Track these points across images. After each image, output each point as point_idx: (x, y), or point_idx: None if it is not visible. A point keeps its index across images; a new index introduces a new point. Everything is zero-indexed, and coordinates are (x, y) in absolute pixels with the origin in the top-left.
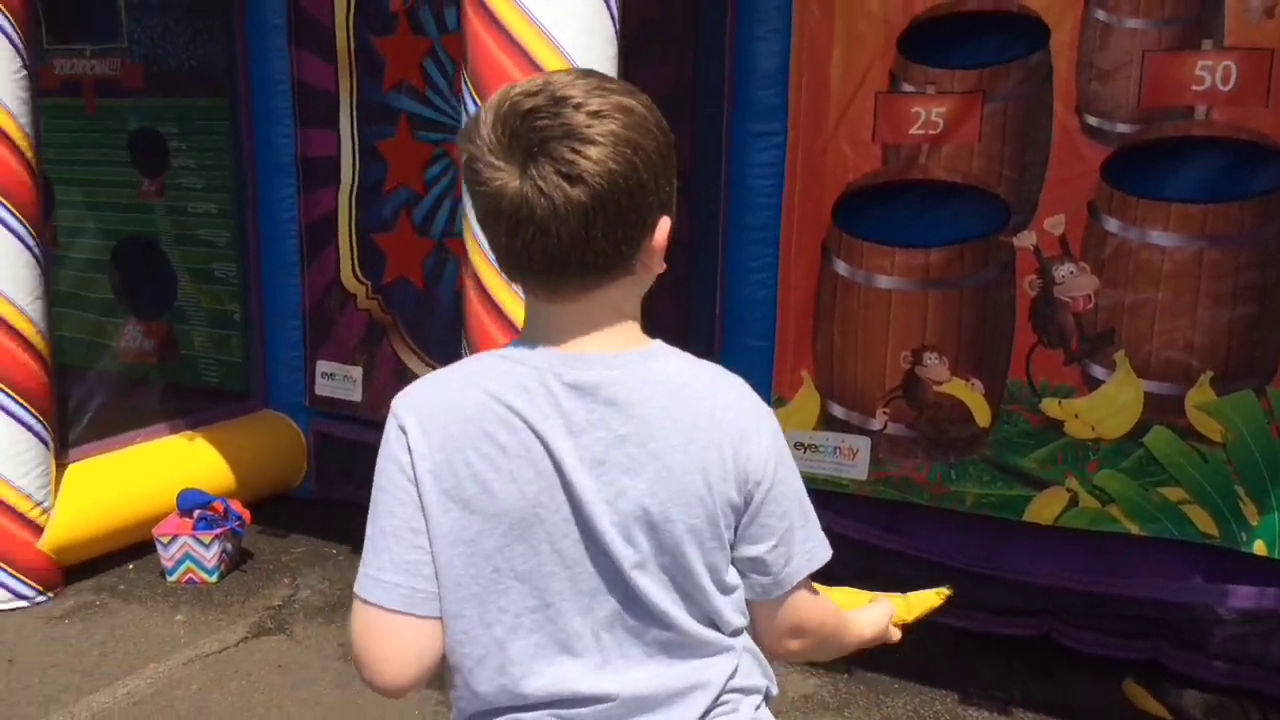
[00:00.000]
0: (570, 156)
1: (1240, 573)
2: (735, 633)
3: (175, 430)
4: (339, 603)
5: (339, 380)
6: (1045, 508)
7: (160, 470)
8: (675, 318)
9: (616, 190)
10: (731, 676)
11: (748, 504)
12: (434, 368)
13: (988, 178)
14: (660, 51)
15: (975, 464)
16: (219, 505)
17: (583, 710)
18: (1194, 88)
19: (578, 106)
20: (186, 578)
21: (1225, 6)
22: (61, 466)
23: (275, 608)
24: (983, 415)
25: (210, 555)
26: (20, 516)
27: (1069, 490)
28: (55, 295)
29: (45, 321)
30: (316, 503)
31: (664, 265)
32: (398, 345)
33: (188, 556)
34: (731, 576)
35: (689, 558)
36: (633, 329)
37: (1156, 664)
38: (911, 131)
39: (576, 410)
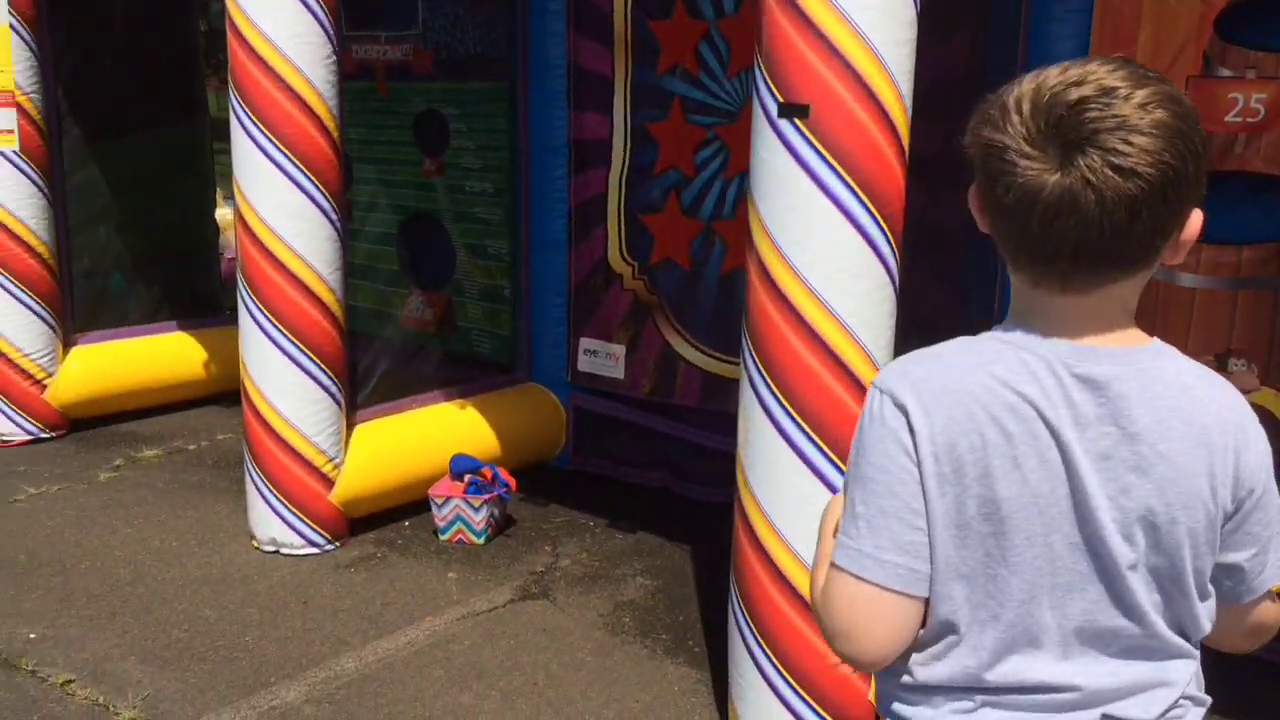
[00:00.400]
0: (1123, 148)
1: None
2: (1199, 641)
3: (449, 397)
4: (598, 574)
5: (601, 357)
6: None
7: (435, 434)
8: (950, 310)
9: (1165, 183)
10: (1188, 683)
11: (1237, 510)
12: (698, 348)
13: None
14: (948, 33)
15: None
16: (488, 471)
17: (1043, 697)
18: None
19: (1126, 97)
20: (457, 538)
21: None
22: (350, 426)
23: (538, 574)
24: None
25: (479, 519)
26: (315, 470)
27: None
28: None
29: (343, 290)
30: (573, 474)
31: (1181, 257)
32: (662, 325)
33: (459, 518)
34: (1209, 583)
35: (1183, 561)
36: (1133, 325)
37: None
38: (1227, 119)
39: (1086, 403)
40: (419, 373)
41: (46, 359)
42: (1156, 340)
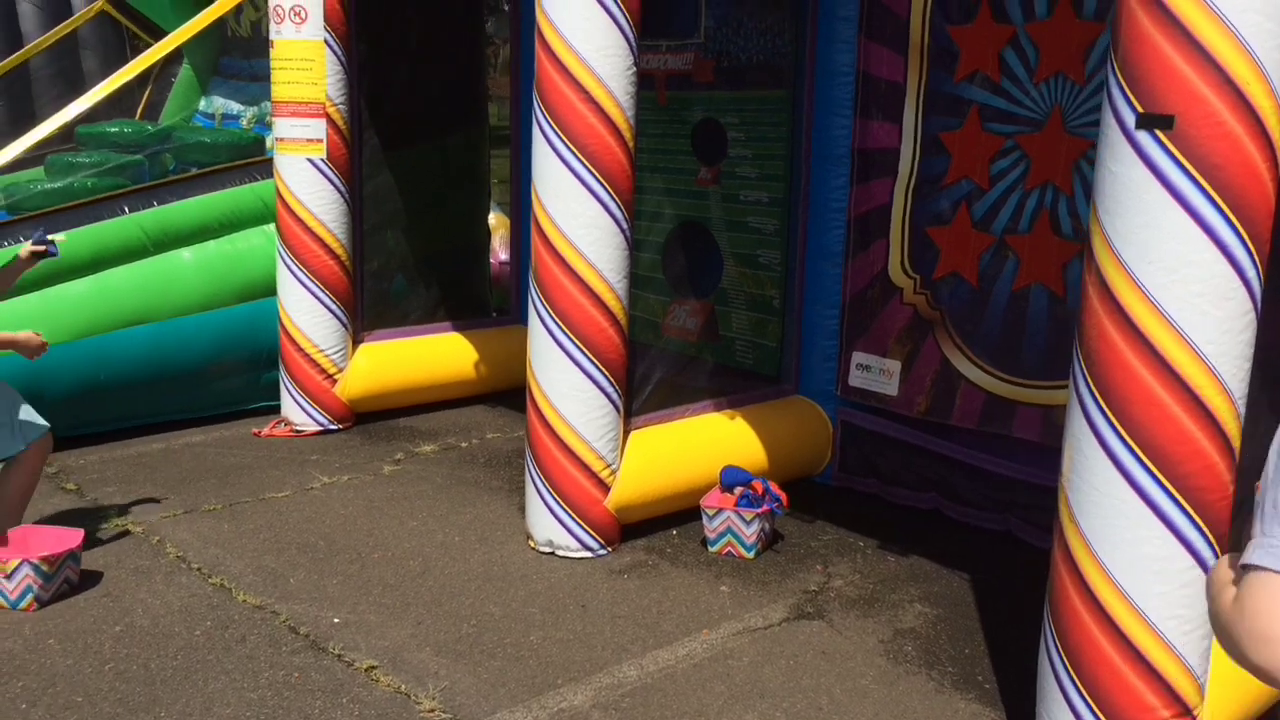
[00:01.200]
0: None
1: None
2: None
3: (717, 408)
4: (873, 597)
5: (874, 373)
6: None
7: (703, 443)
8: None
9: None
10: None
11: None
12: (982, 368)
13: None
14: None
15: None
16: (759, 485)
17: None
18: None
19: None
20: (726, 550)
21: None
22: (626, 433)
23: (811, 593)
24: None
25: (750, 533)
26: (594, 475)
27: None
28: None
29: (628, 298)
30: (838, 491)
31: None
32: (943, 342)
33: (730, 531)
34: None
35: None
36: None
37: None
38: None
39: None
40: (685, 381)
41: (339, 355)
42: None
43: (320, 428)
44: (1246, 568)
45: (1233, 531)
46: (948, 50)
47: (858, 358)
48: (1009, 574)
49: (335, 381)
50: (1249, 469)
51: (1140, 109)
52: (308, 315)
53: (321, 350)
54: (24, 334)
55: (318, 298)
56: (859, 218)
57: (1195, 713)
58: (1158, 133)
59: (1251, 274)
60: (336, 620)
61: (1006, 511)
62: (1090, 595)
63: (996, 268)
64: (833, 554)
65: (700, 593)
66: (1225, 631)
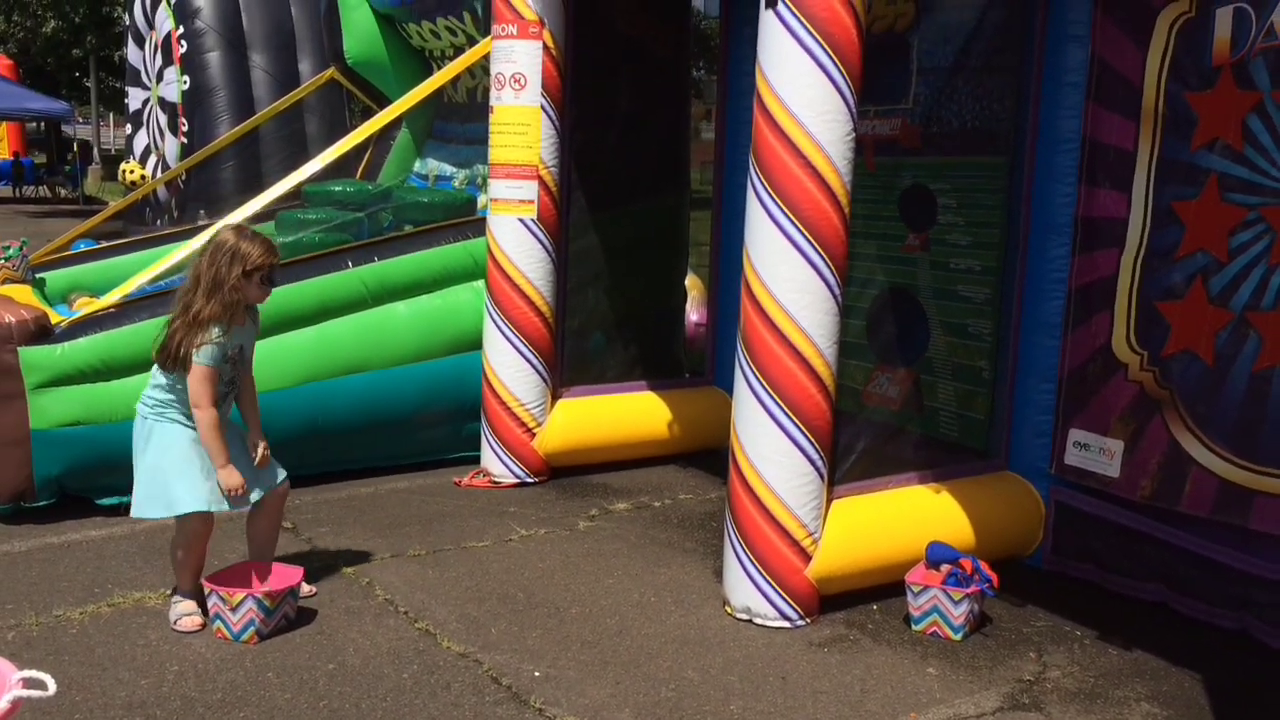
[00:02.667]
0: None
1: None
2: None
3: (922, 480)
4: (1094, 692)
5: (1093, 452)
6: None
7: (908, 516)
8: None
9: None
10: None
11: None
12: (1216, 453)
13: None
14: None
15: None
16: (968, 563)
17: None
18: None
19: None
20: (931, 630)
21: None
22: (828, 501)
23: (1026, 683)
24: None
25: (959, 613)
26: (795, 543)
27: None
28: None
29: (835, 364)
30: (1049, 575)
31: None
32: (1172, 423)
33: (935, 609)
34: None
35: None
36: None
37: None
38: None
39: None
40: (890, 451)
41: (538, 409)
42: None
43: (517, 480)
44: None
45: None
46: (1185, 116)
47: (1075, 435)
48: (1246, 676)
49: (534, 435)
50: None
51: None
52: (511, 369)
53: (522, 404)
54: (230, 477)
55: (521, 353)
56: (1080, 289)
57: None
58: None
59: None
60: (537, 674)
61: (1243, 609)
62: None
63: (1235, 346)
64: (1047, 642)
65: (905, 673)
66: None
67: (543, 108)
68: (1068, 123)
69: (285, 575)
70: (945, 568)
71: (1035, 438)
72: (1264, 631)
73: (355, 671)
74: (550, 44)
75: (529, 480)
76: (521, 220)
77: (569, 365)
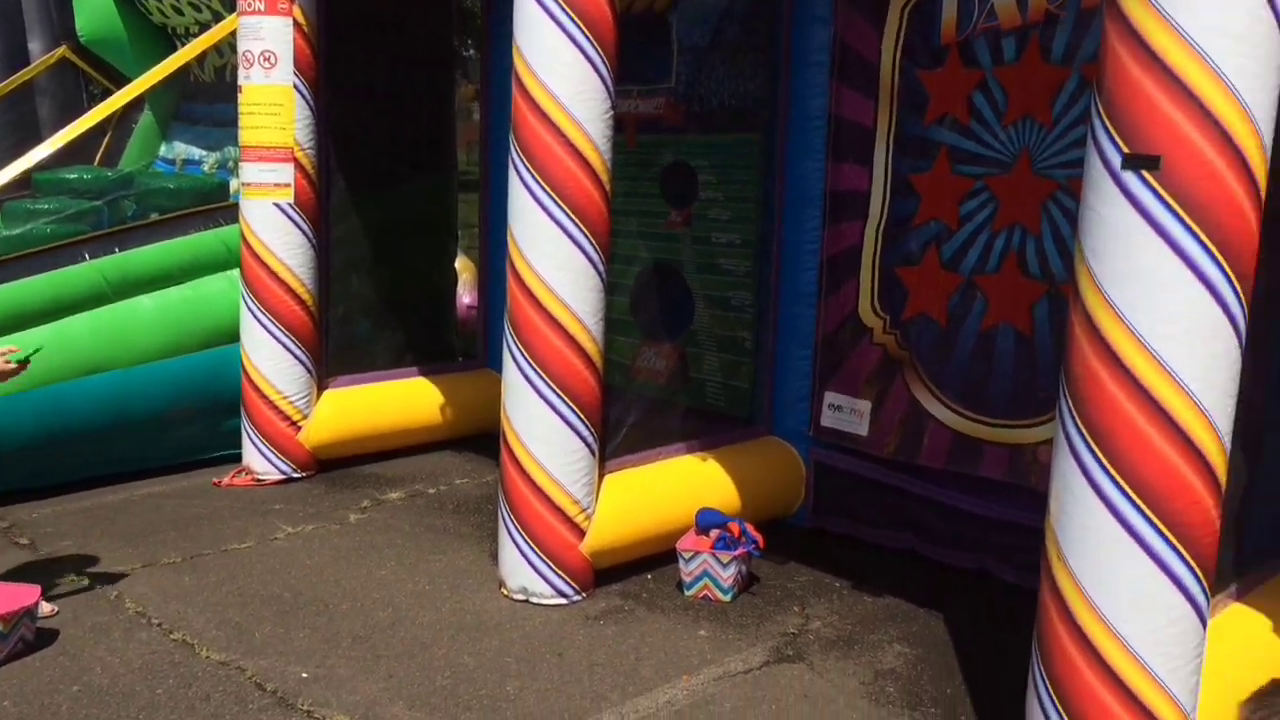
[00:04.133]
0: None
1: None
2: None
3: (690, 450)
4: (852, 638)
5: (845, 413)
6: None
7: (677, 486)
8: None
9: None
10: None
11: None
12: (949, 407)
13: None
14: None
15: None
16: (735, 526)
17: None
18: None
19: None
20: (703, 594)
21: None
22: (600, 477)
23: (790, 635)
24: None
25: (727, 575)
26: (569, 520)
27: None
28: None
29: (603, 340)
30: (811, 532)
31: None
32: (912, 382)
33: (706, 574)
34: None
35: None
36: None
37: None
38: None
39: None
40: (658, 424)
41: (303, 401)
42: None
43: (283, 476)
44: None
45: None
46: (918, 94)
47: (830, 398)
48: (987, 612)
49: (299, 428)
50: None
51: (1125, 149)
52: (272, 361)
53: (285, 396)
54: None
55: (282, 343)
56: (831, 259)
57: None
58: (1144, 173)
59: (1236, 311)
60: (305, 675)
61: (980, 550)
62: (1080, 634)
63: (965, 308)
64: (810, 595)
65: (678, 638)
66: None
67: (296, 87)
68: (816, 101)
69: (19, 595)
70: (714, 533)
71: (796, 402)
72: (998, 568)
73: (103, 691)
74: (301, 20)
75: (296, 475)
76: (277, 205)
77: (335, 354)
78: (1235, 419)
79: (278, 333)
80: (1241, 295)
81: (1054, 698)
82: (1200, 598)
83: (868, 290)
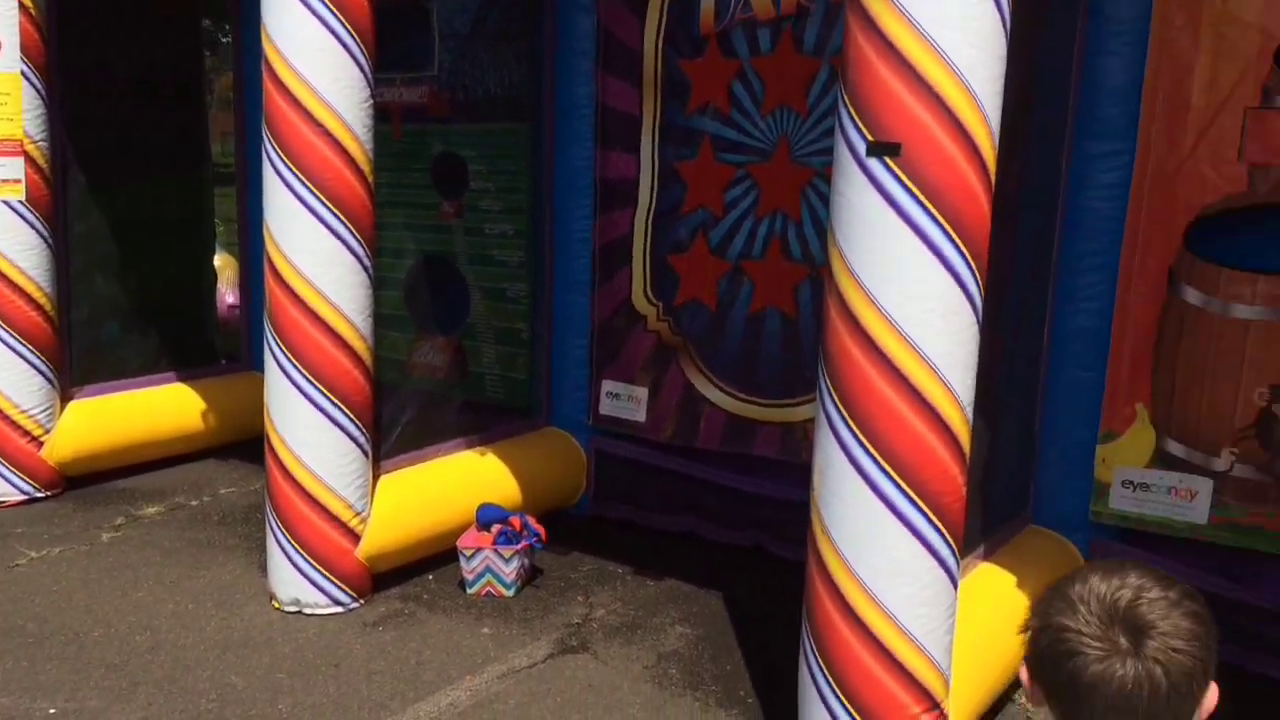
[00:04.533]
0: (1176, 632)
1: None
2: None
3: (469, 445)
4: (635, 624)
5: (623, 400)
6: None
7: (456, 483)
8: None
9: (1194, 675)
10: None
11: None
12: (723, 390)
13: None
14: None
15: None
16: (516, 520)
17: None
18: None
19: (1163, 596)
20: (486, 591)
21: None
22: (374, 478)
23: (574, 626)
24: None
25: (510, 570)
26: (342, 525)
27: None
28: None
29: (372, 337)
30: (594, 520)
31: None
32: (686, 367)
33: (488, 570)
34: None
35: None
36: None
37: None
38: None
39: None
40: (436, 420)
41: (44, 415)
42: None
43: (25, 496)
44: None
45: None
46: (680, 83)
47: (607, 386)
48: (762, 587)
49: (41, 444)
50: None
51: (869, 137)
52: (5, 372)
53: (23, 410)
54: None
55: (17, 352)
56: (603, 247)
57: (943, 706)
58: (887, 160)
59: (974, 289)
60: (53, 711)
61: (755, 528)
62: (844, 603)
63: (733, 293)
64: (593, 584)
65: (461, 638)
66: None
67: (24, 74)
68: (582, 89)
69: None
70: (496, 528)
71: (574, 391)
72: (774, 544)
73: None
74: (28, 2)
75: (40, 495)
76: (6, 202)
77: (80, 362)
78: (976, 391)
79: (12, 341)
80: (978, 275)
81: (822, 664)
82: (951, 561)
83: (640, 278)
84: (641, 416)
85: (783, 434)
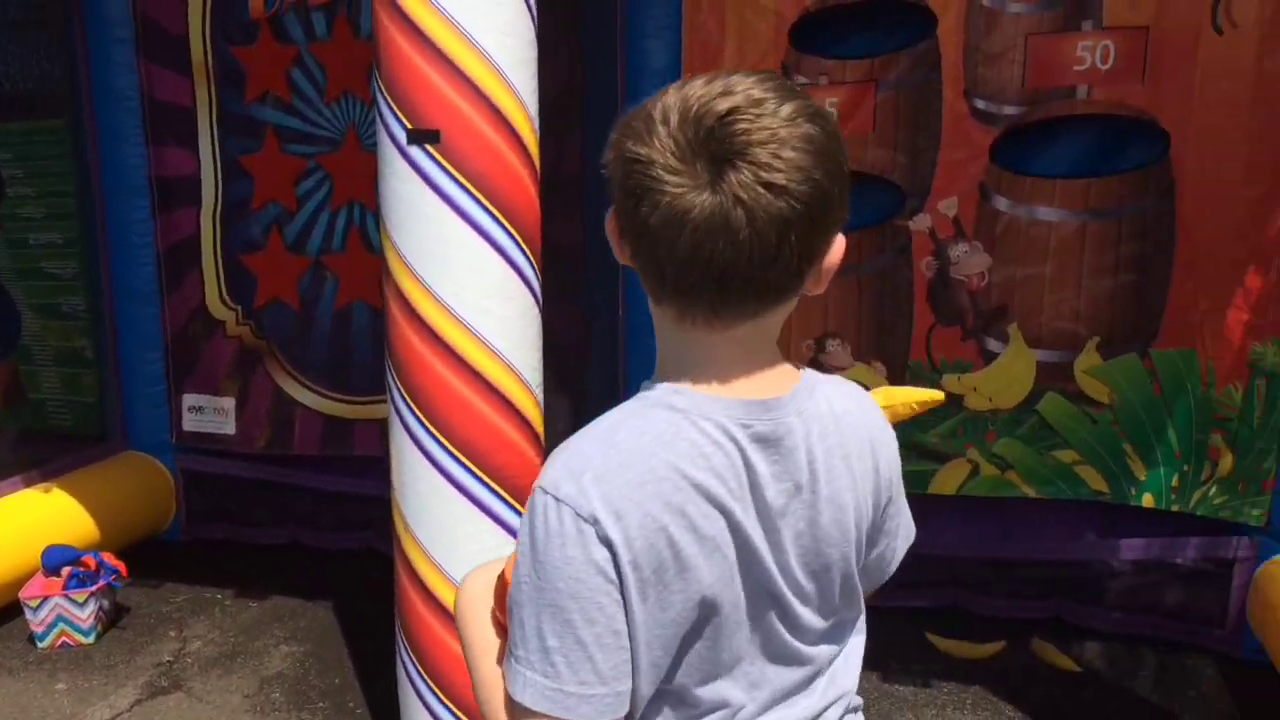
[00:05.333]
0: (774, 163)
1: (1130, 526)
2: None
3: (29, 482)
4: (235, 650)
5: (208, 414)
6: (949, 479)
7: (16, 527)
8: (578, 325)
9: (815, 202)
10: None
11: (878, 516)
12: (315, 391)
13: (882, 165)
14: (550, 50)
15: None
16: (90, 560)
17: None
18: (1075, 68)
19: (775, 110)
20: (60, 642)
21: None
22: None
23: (166, 664)
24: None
25: (86, 615)
26: None
27: (970, 461)
28: None
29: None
30: (188, 545)
31: (824, 286)
32: (274, 371)
33: (60, 619)
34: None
35: (853, 589)
36: (782, 359)
37: (1059, 620)
38: None
39: (760, 464)
40: None
41: None
42: (805, 371)
43: None
44: (522, 708)
45: None
46: (235, 71)
47: (189, 400)
48: (370, 591)
49: None
50: (550, 449)
51: (409, 125)
52: None
53: None
54: None
55: None
56: (168, 250)
57: None
58: (428, 148)
59: (529, 271)
60: None
61: (366, 529)
62: (433, 600)
63: (317, 289)
64: (187, 615)
65: (32, 698)
66: None
67: None
68: (124, 79)
69: None
70: (65, 571)
71: (152, 410)
72: (384, 544)
73: None
74: None
75: None
76: None
77: None
78: (549, 368)
79: None
80: (531, 256)
81: (414, 660)
82: None
83: (213, 281)
84: (230, 429)
85: (381, 431)
